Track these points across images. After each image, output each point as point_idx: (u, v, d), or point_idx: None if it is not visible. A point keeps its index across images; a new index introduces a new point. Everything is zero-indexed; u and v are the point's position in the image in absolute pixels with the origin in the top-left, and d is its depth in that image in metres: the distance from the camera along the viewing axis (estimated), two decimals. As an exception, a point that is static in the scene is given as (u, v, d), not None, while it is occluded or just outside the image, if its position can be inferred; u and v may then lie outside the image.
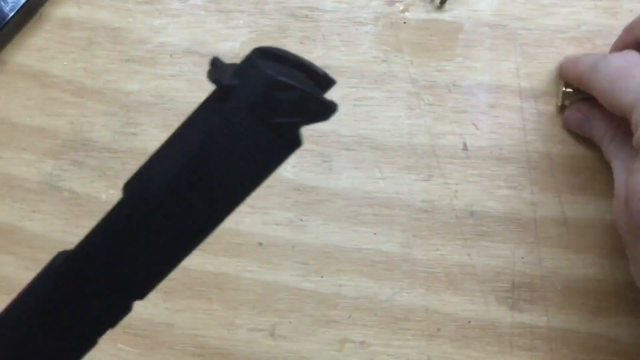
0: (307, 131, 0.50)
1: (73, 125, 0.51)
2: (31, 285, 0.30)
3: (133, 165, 0.50)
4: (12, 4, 0.50)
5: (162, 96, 0.51)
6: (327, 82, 0.28)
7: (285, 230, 0.49)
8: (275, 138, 0.27)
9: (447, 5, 0.50)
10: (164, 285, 0.50)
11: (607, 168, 0.49)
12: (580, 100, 0.47)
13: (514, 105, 0.49)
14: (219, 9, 0.51)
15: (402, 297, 0.49)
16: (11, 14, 0.49)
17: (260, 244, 0.49)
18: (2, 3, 0.49)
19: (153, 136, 0.50)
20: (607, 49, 0.49)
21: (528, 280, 0.48)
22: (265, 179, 0.28)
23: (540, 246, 0.48)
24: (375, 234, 0.49)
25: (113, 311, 0.30)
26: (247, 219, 0.50)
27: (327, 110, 0.27)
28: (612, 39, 0.49)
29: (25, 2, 0.50)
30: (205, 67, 0.51)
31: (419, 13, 0.50)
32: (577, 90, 0.47)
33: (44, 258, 0.50)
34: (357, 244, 0.49)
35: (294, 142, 0.27)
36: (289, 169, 0.50)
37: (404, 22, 0.50)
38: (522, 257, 0.49)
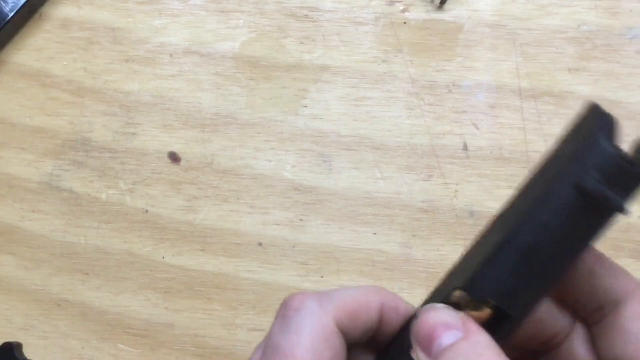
0: (307, 131, 0.50)
1: (73, 125, 0.51)
2: None
3: (133, 165, 0.50)
4: (12, 4, 0.50)
5: (162, 96, 0.51)
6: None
7: (285, 230, 0.49)
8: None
9: (447, 5, 0.50)
10: (164, 285, 0.50)
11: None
12: None
13: (514, 105, 0.49)
14: (219, 9, 0.51)
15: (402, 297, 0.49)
16: (11, 14, 0.49)
17: (260, 244, 0.49)
18: (2, 3, 0.50)
19: (153, 136, 0.50)
20: (607, 49, 0.49)
21: (528, 280, 0.48)
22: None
23: (540, 246, 0.48)
24: (375, 234, 0.49)
25: None
26: (247, 219, 0.50)
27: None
28: (612, 39, 0.49)
29: (25, 2, 0.50)
30: (205, 67, 0.51)
31: (419, 13, 0.50)
32: None
33: (44, 258, 0.50)
34: (357, 244, 0.49)
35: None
36: (289, 169, 0.50)
37: (404, 22, 0.50)
38: (522, 257, 0.49)
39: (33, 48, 0.51)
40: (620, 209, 0.26)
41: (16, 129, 0.51)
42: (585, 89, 0.49)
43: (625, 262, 0.48)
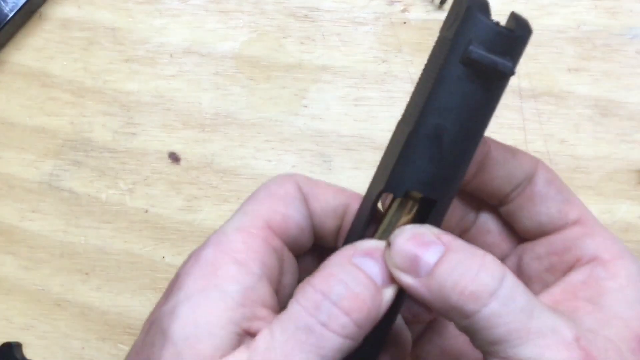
0: (307, 131, 0.50)
1: (73, 125, 0.51)
2: None
3: (133, 165, 0.50)
4: (12, 4, 0.50)
5: (162, 96, 0.51)
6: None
7: (285, 230, 0.49)
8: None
9: (447, 5, 0.50)
10: (164, 285, 0.50)
11: (607, 168, 0.49)
12: None
13: (514, 105, 0.49)
14: (219, 9, 0.51)
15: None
16: (11, 14, 0.49)
17: (260, 244, 0.49)
18: (2, 3, 0.49)
19: (153, 136, 0.50)
20: (608, 49, 0.49)
21: (528, 280, 0.48)
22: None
23: (540, 246, 0.48)
24: (375, 234, 0.49)
25: None
26: (247, 219, 0.50)
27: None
28: (612, 39, 0.49)
29: (25, 2, 0.50)
30: (205, 67, 0.51)
31: (419, 13, 0.50)
32: None
33: (44, 258, 0.50)
34: (357, 244, 0.49)
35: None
36: (289, 169, 0.50)
37: (404, 22, 0.50)
38: (522, 257, 0.49)
39: (33, 48, 0.51)
40: (508, 72, 0.28)
41: (16, 129, 0.51)
42: (585, 89, 0.49)
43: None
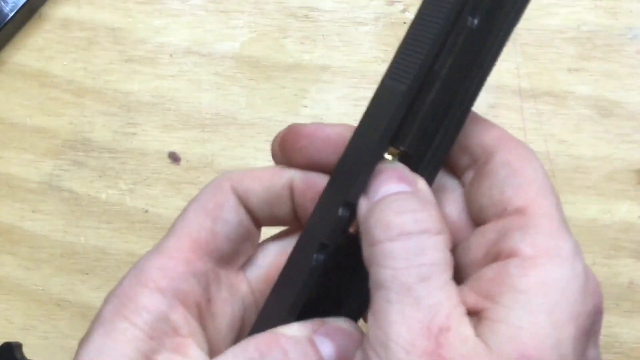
0: (307, 131, 0.50)
1: (73, 125, 0.51)
2: None
3: (133, 165, 0.50)
4: (12, 4, 0.50)
5: (162, 96, 0.51)
6: None
7: (285, 230, 0.49)
8: None
9: (447, 5, 0.50)
10: (164, 285, 0.50)
11: (607, 168, 0.49)
12: None
13: (514, 105, 0.49)
14: (219, 9, 0.51)
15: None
16: (11, 14, 0.49)
17: (260, 244, 0.50)
18: (2, 3, 0.50)
19: (153, 136, 0.50)
20: (608, 49, 0.49)
21: (528, 280, 0.48)
22: None
23: (540, 246, 0.48)
24: (375, 234, 0.49)
25: None
26: (247, 219, 0.50)
27: None
28: (612, 39, 0.49)
29: (25, 2, 0.50)
30: (205, 67, 0.51)
31: (419, 13, 0.50)
32: None
33: (44, 258, 0.50)
34: (357, 244, 0.49)
35: None
36: (289, 169, 0.50)
37: (404, 22, 0.50)
38: (522, 257, 0.49)
39: (33, 48, 0.51)
40: None
41: (16, 129, 0.51)
42: (585, 89, 0.49)
43: (625, 262, 0.48)
